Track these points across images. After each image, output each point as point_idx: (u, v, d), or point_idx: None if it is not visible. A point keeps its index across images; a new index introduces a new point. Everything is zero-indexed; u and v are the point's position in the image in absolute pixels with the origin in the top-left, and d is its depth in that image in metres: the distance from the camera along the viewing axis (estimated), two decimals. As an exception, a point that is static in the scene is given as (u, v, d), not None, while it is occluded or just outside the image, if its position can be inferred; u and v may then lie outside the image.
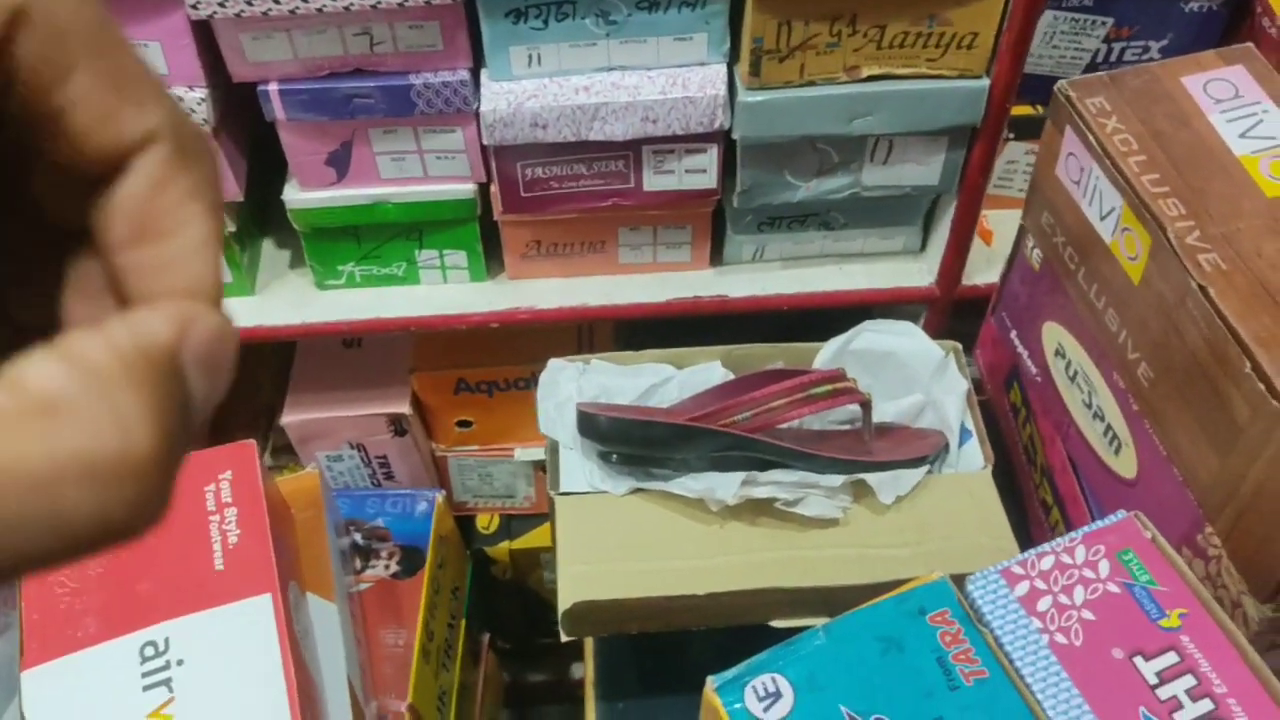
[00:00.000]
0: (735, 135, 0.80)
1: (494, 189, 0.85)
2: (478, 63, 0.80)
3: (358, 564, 1.13)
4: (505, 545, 1.25)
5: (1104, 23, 0.85)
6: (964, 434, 0.82)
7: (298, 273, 0.97)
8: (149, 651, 0.78)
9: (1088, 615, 0.58)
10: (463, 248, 0.93)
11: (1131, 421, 0.68)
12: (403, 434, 1.13)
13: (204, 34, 0.76)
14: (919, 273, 0.96)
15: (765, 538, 0.74)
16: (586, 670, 0.84)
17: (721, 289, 0.95)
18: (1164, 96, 0.65)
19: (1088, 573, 0.60)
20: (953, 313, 0.98)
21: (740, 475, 0.74)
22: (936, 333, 1.00)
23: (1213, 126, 0.64)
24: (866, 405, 0.80)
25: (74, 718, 0.75)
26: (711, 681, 0.57)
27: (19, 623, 0.82)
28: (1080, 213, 0.68)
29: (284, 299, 0.96)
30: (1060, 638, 0.58)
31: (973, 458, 0.81)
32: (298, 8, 0.72)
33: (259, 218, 0.96)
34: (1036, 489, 0.86)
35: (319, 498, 1.00)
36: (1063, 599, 0.59)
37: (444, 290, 0.95)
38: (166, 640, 0.78)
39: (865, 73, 0.78)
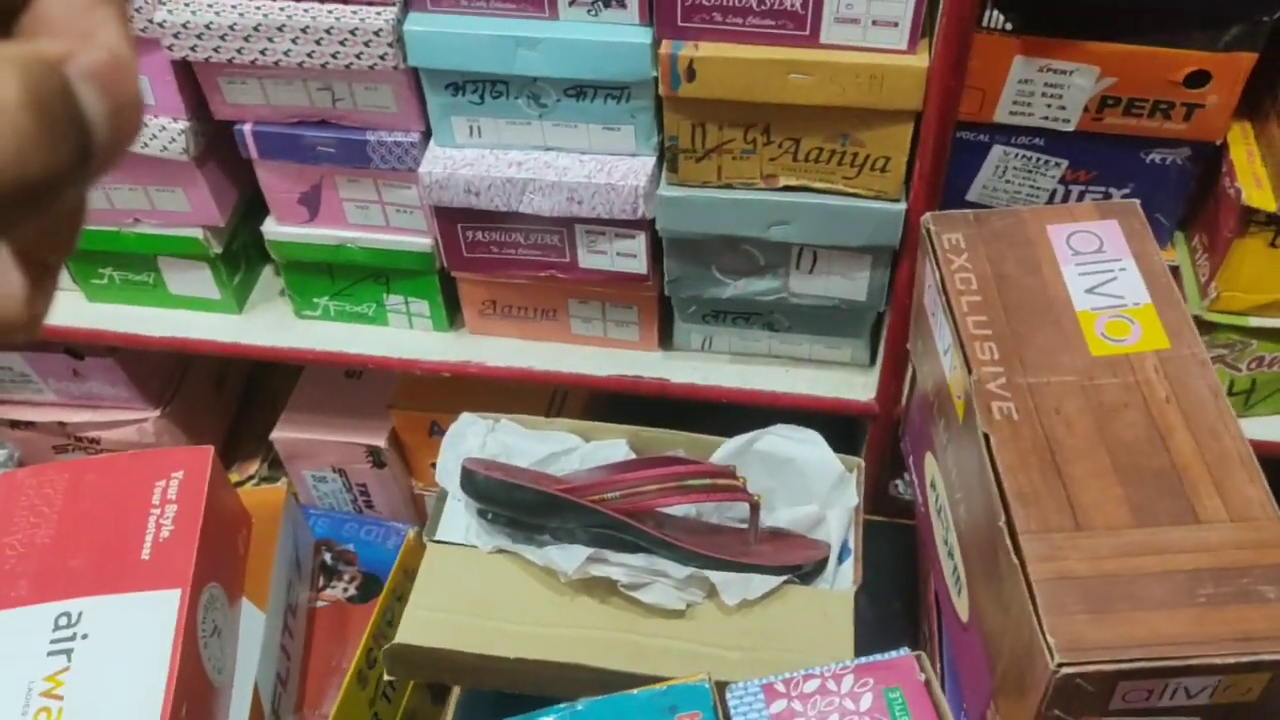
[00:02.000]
0: (657, 227, 0.83)
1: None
2: (431, 127, 0.85)
3: (320, 582, 1.19)
4: (475, 590, 1.28)
5: (1058, 164, 0.84)
6: (845, 551, 0.81)
7: (285, 300, 1.04)
8: (62, 621, 0.84)
9: (832, 745, 0.58)
10: (424, 297, 0.98)
11: (964, 563, 0.67)
12: (381, 466, 1.19)
13: (190, 73, 0.84)
14: (864, 386, 0.96)
15: (607, 617, 0.75)
16: (447, 717, 0.86)
17: (664, 373, 0.97)
18: (1022, 241, 0.65)
19: (848, 704, 0.59)
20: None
21: (587, 551, 0.76)
22: (879, 449, 1.00)
23: (1061, 277, 0.63)
24: (755, 507, 0.80)
25: (-15, 669, 0.82)
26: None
27: (-33, 575, 0.89)
28: (934, 345, 0.67)
29: (266, 323, 1.03)
30: (798, 762, 0.57)
31: (846, 576, 0.80)
32: (257, 59, 0.79)
33: (259, 244, 1.04)
34: (922, 620, 0.84)
35: (279, 511, 1.06)
36: (813, 724, 0.59)
37: (409, 335, 1.01)
38: (79, 614, 0.85)
39: (782, 182, 0.79)
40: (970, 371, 0.59)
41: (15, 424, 1.21)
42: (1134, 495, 0.53)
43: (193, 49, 0.79)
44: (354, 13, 0.77)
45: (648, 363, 0.98)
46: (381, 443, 1.16)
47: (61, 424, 1.21)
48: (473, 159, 0.83)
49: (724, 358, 0.98)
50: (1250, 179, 0.80)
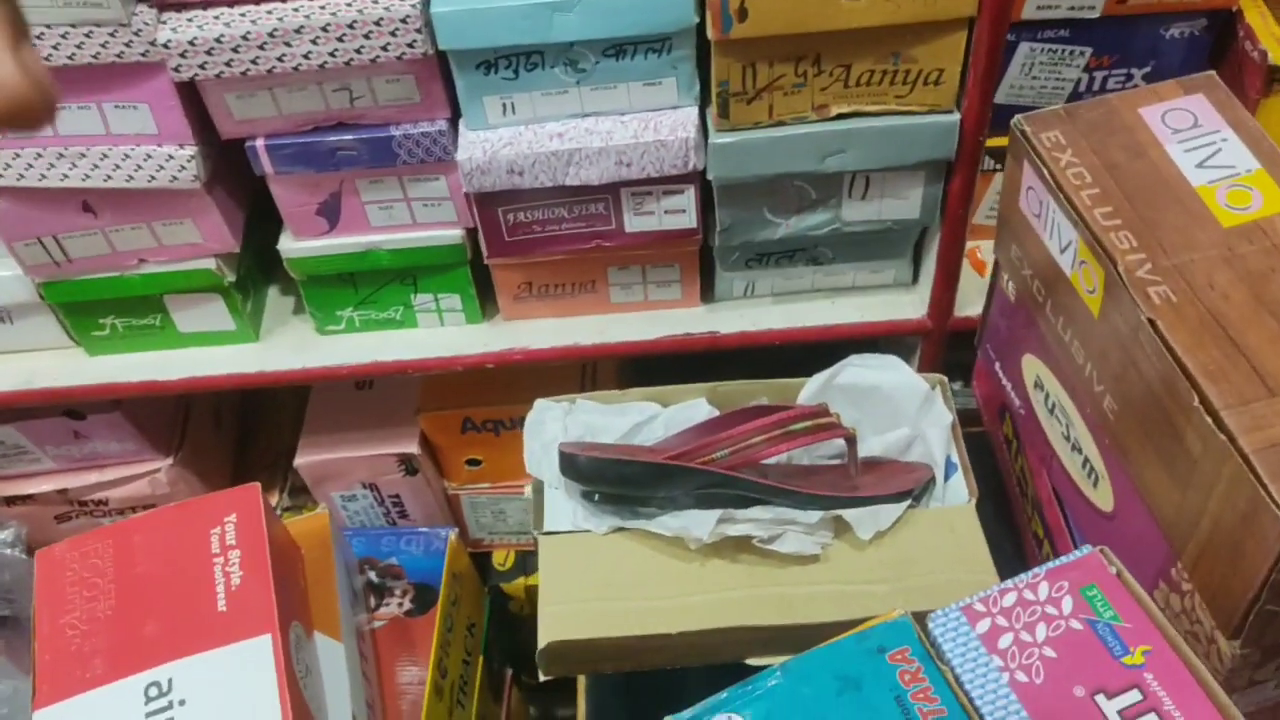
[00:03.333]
0: (710, 176, 0.81)
1: (480, 234, 0.87)
2: (456, 112, 0.81)
3: (372, 602, 1.15)
4: (521, 581, 1.26)
5: (1082, 53, 0.85)
6: (950, 467, 0.82)
7: (301, 318, 0.99)
8: (153, 692, 0.79)
9: (1049, 653, 0.58)
10: (456, 291, 0.94)
11: (1105, 454, 0.68)
12: (414, 473, 1.15)
13: (192, 94, 0.79)
14: (911, 305, 0.96)
15: (744, 575, 0.74)
16: (578, 710, 0.84)
17: (712, 325, 0.95)
18: (1121, 128, 0.65)
19: (1050, 609, 0.59)
20: (951, 344, 0.98)
21: (716, 513, 0.75)
22: (932, 365, 1.00)
23: (1169, 157, 0.64)
24: (851, 440, 0.80)
25: (81, 758, 0.77)
26: (667, 722, 0.58)
27: (33, 665, 0.84)
28: (1043, 246, 0.68)
29: (287, 345, 0.98)
30: (1021, 675, 0.57)
31: (958, 491, 0.80)
32: (274, 68, 0.74)
33: (262, 266, 0.99)
34: (1029, 522, 0.85)
35: (328, 538, 1.02)
36: (1024, 636, 0.59)
37: (441, 333, 0.97)
38: (170, 681, 0.80)
39: (834, 111, 0.78)
40: (1114, 262, 0.59)
41: (12, 500, 1.14)
42: (1313, 353, 0.54)
43: (202, 67, 0.74)
44: (376, 3, 0.73)
45: (693, 319, 0.96)
46: (414, 449, 1.12)
47: (62, 491, 1.13)
48: (510, 138, 0.80)
49: (767, 301, 0.97)
50: (1271, 40, 0.82)
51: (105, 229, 0.86)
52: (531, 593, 1.27)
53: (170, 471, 1.13)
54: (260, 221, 0.94)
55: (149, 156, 0.80)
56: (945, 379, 0.85)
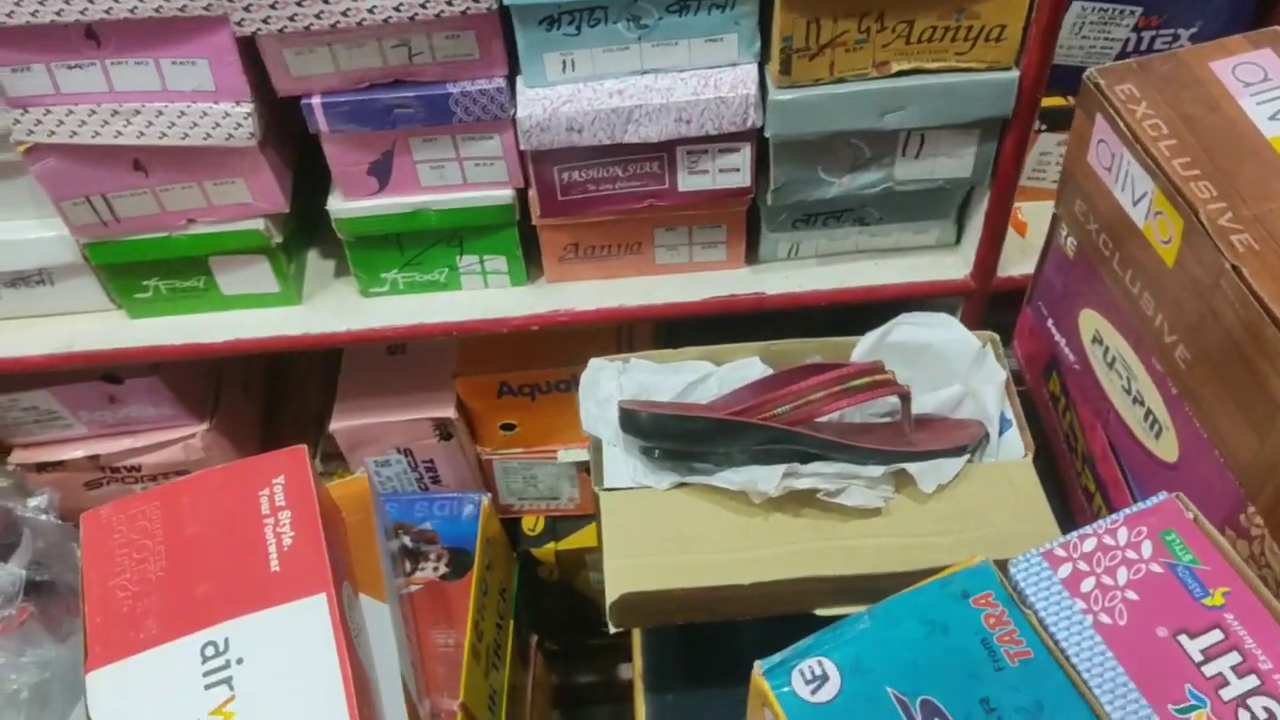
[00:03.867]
0: (768, 133, 0.82)
1: (532, 194, 0.87)
2: (513, 70, 0.81)
3: (407, 566, 1.15)
4: (551, 546, 1.27)
5: (1132, 11, 0.85)
6: (1004, 423, 0.83)
7: (343, 281, 0.99)
8: (209, 651, 0.79)
9: (1131, 595, 0.59)
10: (502, 253, 0.94)
11: (1171, 405, 0.68)
12: (448, 438, 1.15)
13: (249, 50, 0.78)
14: (954, 266, 0.96)
15: (808, 528, 0.75)
16: (635, 664, 0.85)
17: (757, 286, 0.96)
18: (1192, 81, 0.66)
19: (1130, 554, 0.60)
20: (989, 305, 0.99)
21: (781, 468, 0.75)
22: (973, 325, 1.00)
23: (1242, 110, 0.64)
24: (906, 397, 0.81)
25: (139, 717, 0.77)
26: (759, 666, 0.58)
27: (83, 627, 0.84)
28: (1113, 199, 0.68)
29: (330, 308, 0.98)
30: (1104, 618, 0.58)
31: (1013, 446, 0.81)
32: (339, 22, 0.74)
33: (305, 228, 0.99)
34: (1078, 476, 0.86)
35: (369, 501, 1.02)
36: (1106, 580, 0.60)
37: (485, 295, 0.97)
38: (226, 640, 0.80)
39: (895, 68, 0.79)
40: (1195, 211, 0.60)
41: (44, 466, 1.13)
42: (1399, 298, 0.55)
43: (265, 21, 0.74)
44: (443, -45, 0.72)
45: (738, 280, 0.96)
46: (450, 413, 1.12)
47: (94, 457, 1.13)
48: (569, 95, 0.80)
49: (811, 262, 0.97)
50: (1320, -2, 0.83)
51: (155, 188, 0.86)
52: (562, 558, 1.27)
53: (205, 437, 1.13)
54: (303, 182, 0.94)
55: (205, 114, 0.79)
56: (997, 336, 0.86)
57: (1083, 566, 0.60)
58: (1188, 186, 0.61)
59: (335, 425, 1.13)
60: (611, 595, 0.71)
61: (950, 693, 0.57)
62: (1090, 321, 0.77)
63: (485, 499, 1.12)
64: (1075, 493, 0.87)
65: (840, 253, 0.96)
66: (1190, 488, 0.67)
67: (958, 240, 0.97)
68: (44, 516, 1.10)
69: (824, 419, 0.84)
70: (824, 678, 0.57)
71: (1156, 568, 0.60)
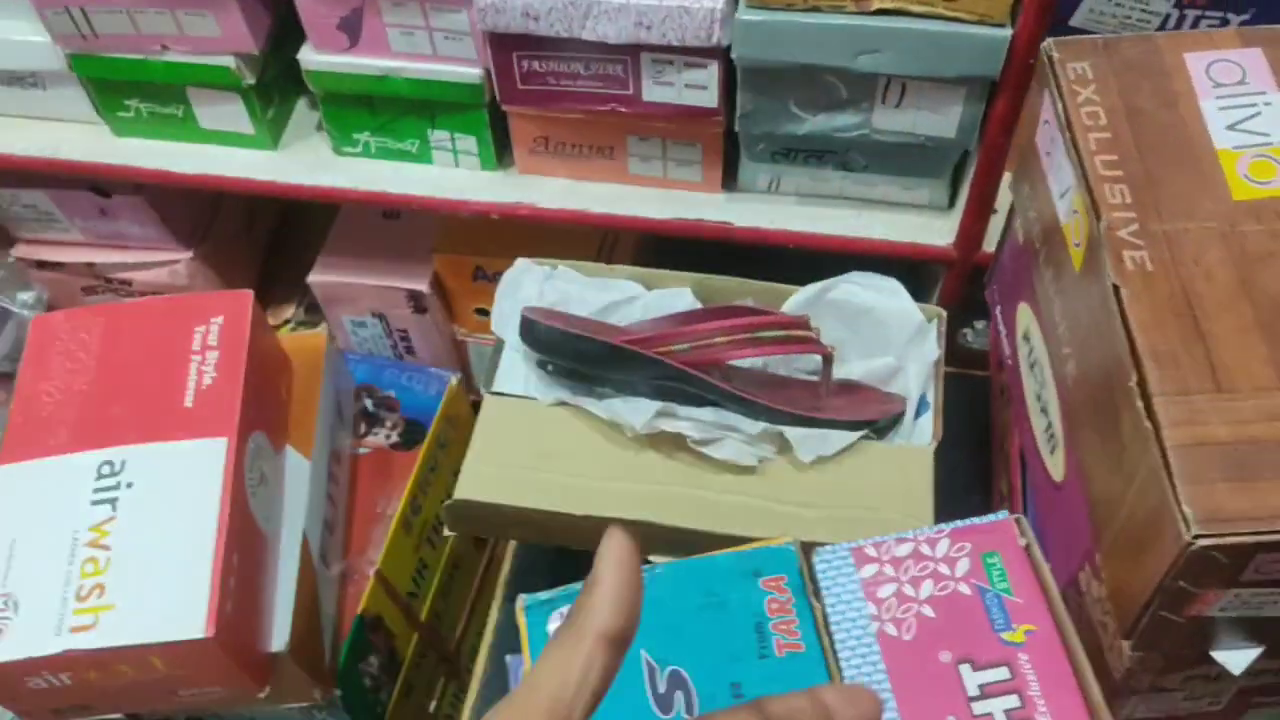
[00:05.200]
0: (733, 55, 0.76)
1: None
2: (482, -57, 0.78)
3: (362, 429, 1.16)
4: (519, 438, 1.26)
5: (1175, -15, 0.76)
6: (922, 405, 0.77)
7: (322, 136, 0.98)
8: (105, 469, 0.81)
9: (927, 611, 0.55)
10: (472, 133, 0.92)
11: (1064, 421, 0.63)
12: (422, 311, 1.15)
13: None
14: (940, 231, 0.90)
15: (675, 472, 0.72)
16: (502, 570, 0.84)
17: (728, 215, 0.91)
18: (1157, 71, 0.58)
19: (943, 568, 0.56)
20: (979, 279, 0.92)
21: (655, 405, 0.72)
22: (953, 298, 0.95)
23: (1200, 113, 0.57)
24: (828, 358, 0.76)
25: (28, 517, 0.80)
26: (522, 600, 0.56)
27: (6, 423, 0.87)
28: (1046, 187, 0.62)
29: (303, 160, 0.97)
30: (890, 628, 0.54)
31: (925, 432, 0.76)
32: None
33: (295, 78, 0.97)
34: (998, 479, 0.80)
35: (321, 358, 1.03)
36: (907, 589, 0.55)
37: (453, 174, 0.95)
38: (123, 463, 0.82)
39: (876, 5, 0.72)
40: (1099, 217, 0.53)
41: (42, 264, 1.17)
42: (1282, 354, 0.48)
43: None
44: None
45: (710, 205, 0.92)
46: (423, 287, 1.11)
47: (90, 264, 1.16)
48: (530, -22, 0.76)
49: (791, 200, 0.92)
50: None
51: (129, 8, 0.85)
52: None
53: (190, 264, 1.15)
54: (296, 30, 0.92)
55: (170, -61, 0.78)
56: (944, 313, 0.80)
57: (889, 571, 0.56)
58: (1101, 187, 0.54)
59: (313, 278, 1.13)
60: (452, 497, 0.70)
61: (703, 669, 0.54)
62: (1025, 317, 0.71)
63: (454, 378, 1.11)
64: (995, 495, 0.82)
65: (822, 195, 0.91)
66: (1069, 514, 0.62)
67: (950, 204, 0.90)
68: (27, 312, 1.15)
69: (744, 365, 0.80)
70: None
71: (965, 588, 0.55)
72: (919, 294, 0.96)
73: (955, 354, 1.01)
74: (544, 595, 0.56)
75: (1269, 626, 0.53)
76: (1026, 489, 0.71)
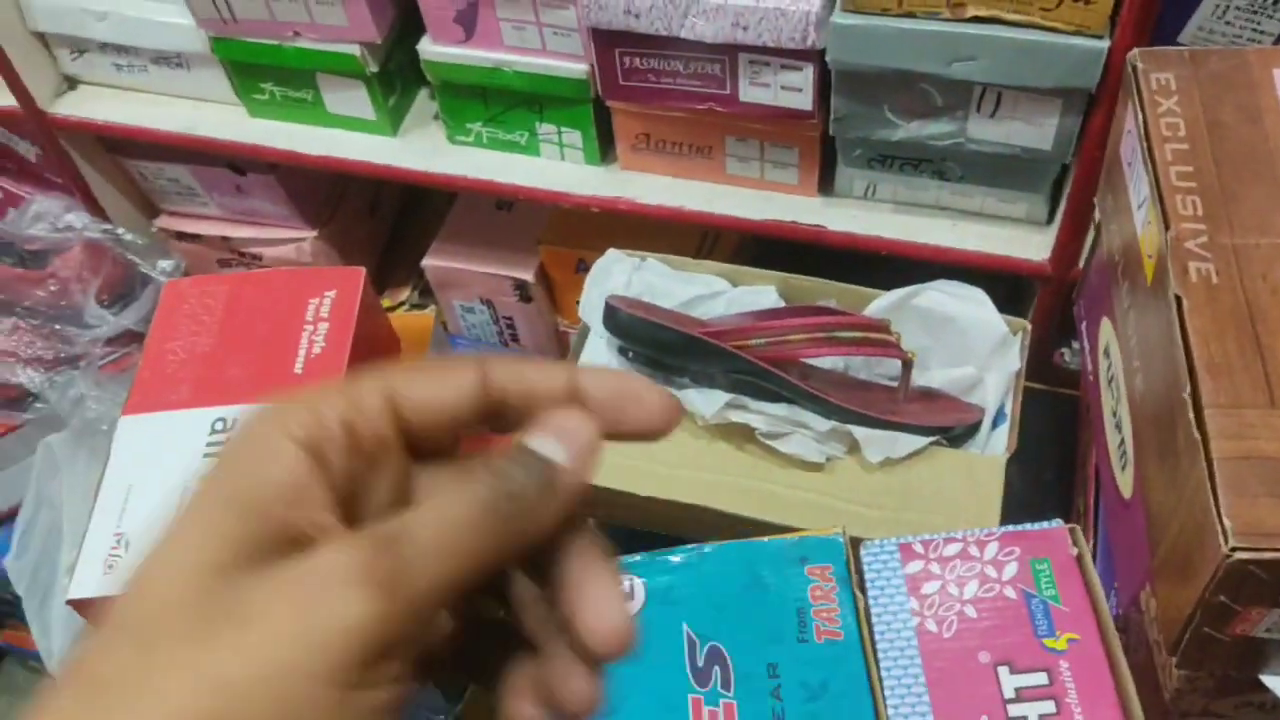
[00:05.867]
0: (828, 58, 0.77)
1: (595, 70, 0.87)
2: (592, -57, 0.81)
3: (464, 410, 1.20)
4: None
5: (1287, 3, 0.74)
6: (1000, 417, 0.77)
7: (438, 125, 1.03)
8: (218, 426, 0.87)
9: (969, 611, 0.55)
10: (578, 127, 0.95)
11: (1134, 436, 0.62)
12: (527, 300, 1.19)
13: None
14: (1037, 246, 0.89)
15: (742, 464, 0.73)
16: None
17: (822, 219, 0.92)
18: (1244, 85, 0.57)
19: (990, 570, 0.56)
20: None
21: (726, 396, 0.74)
22: (1049, 314, 0.93)
23: (1286, 127, 0.56)
24: (907, 363, 0.76)
25: (148, 463, 0.86)
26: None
27: (135, 375, 0.93)
28: (1127, 199, 0.61)
29: (419, 147, 1.02)
30: (931, 625, 0.55)
31: (999, 443, 0.76)
32: None
33: (417, 67, 1.02)
34: (1077, 495, 0.79)
35: (428, 338, 1.08)
36: (951, 588, 0.56)
37: (559, 166, 0.98)
38: (235, 421, 0.87)
39: (971, 12, 0.72)
40: (1167, 227, 0.53)
41: (182, 235, 1.25)
42: (1344, 375, 0.47)
43: None
44: None
45: (805, 208, 0.93)
46: (529, 277, 1.15)
47: (225, 238, 1.24)
48: (634, -23, 0.78)
49: (887, 207, 0.92)
50: None
51: (266, -6, 0.91)
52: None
53: (315, 244, 1.21)
54: (419, 25, 0.97)
55: (305, -63, 0.84)
56: (1029, 325, 0.79)
57: (935, 569, 0.57)
58: (1173, 198, 0.54)
59: (426, 262, 1.18)
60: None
61: (742, 647, 0.55)
62: (1105, 332, 0.70)
63: (561, 366, 1.14)
64: (1074, 512, 0.81)
65: (919, 204, 0.91)
66: (1133, 531, 0.61)
67: (1050, 219, 0.89)
68: (165, 279, 1.23)
69: (825, 365, 0.81)
70: (629, 596, 0.57)
71: (1010, 592, 0.55)
72: (1018, 306, 0.96)
73: (1052, 373, 1.00)
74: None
75: (1326, 655, 0.52)
76: (1099, 507, 0.70)
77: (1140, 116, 0.57)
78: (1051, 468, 0.87)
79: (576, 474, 0.30)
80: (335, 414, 0.29)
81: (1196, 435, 0.47)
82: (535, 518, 0.29)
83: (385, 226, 1.35)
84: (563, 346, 1.25)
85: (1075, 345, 0.98)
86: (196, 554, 0.26)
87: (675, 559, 0.58)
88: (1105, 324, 0.70)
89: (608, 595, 0.29)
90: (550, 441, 0.30)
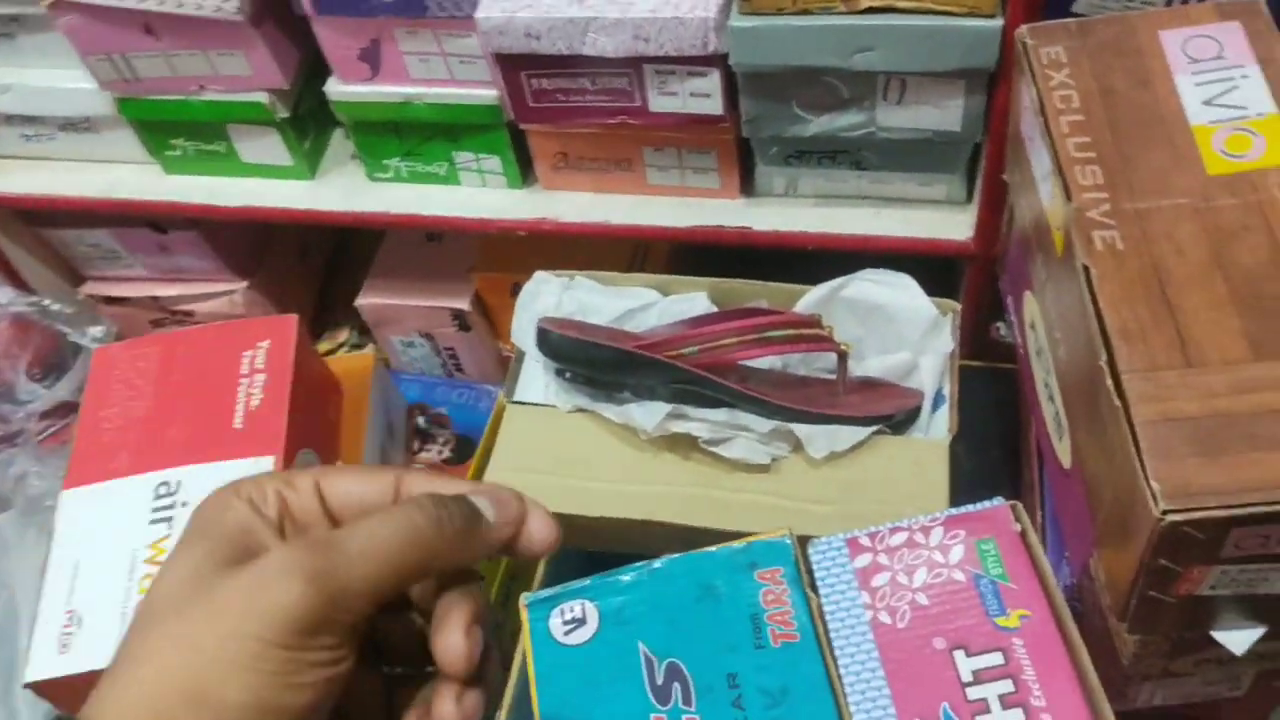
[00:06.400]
0: (731, 62, 0.78)
1: (504, 96, 0.87)
2: (484, -31, 0.80)
3: (416, 445, 1.20)
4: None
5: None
6: (939, 399, 0.78)
7: (357, 164, 1.02)
8: (162, 490, 0.86)
9: (921, 599, 0.55)
10: (495, 153, 0.95)
11: (1066, 406, 0.63)
12: (467, 329, 1.18)
13: (237, -72, 0.80)
14: (959, 226, 0.90)
15: (689, 473, 0.74)
16: (536, 577, 0.86)
17: (746, 220, 0.92)
18: (1132, 51, 0.58)
19: (937, 556, 0.56)
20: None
21: (666, 408, 0.74)
22: (978, 292, 0.94)
23: (1175, 89, 0.57)
24: (841, 355, 0.77)
25: (93, 536, 0.85)
26: (524, 598, 0.58)
27: (72, 449, 0.92)
28: (1032, 174, 0.62)
29: (339, 187, 1.01)
30: (885, 617, 0.55)
31: (941, 425, 0.76)
32: (299, -94, 0.75)
33: (328, 107, 1.02)
34: (1024, 467, 0.80)
35: (369, 378, 1.07)
36: (901, 578, 0.56)
37: (481, 194, 0.98)
38: (179, 482, 0.86)
39: (865, 3, 0.73)
40: (1070, 198, 0.54)
41: (110, 299, 1.23)
42: (1253, 327, 0.48)
43: (233, -102, 0.75)
44: None
45: (729, 210, 0.93)
46: (465, 306, 1.14)
47: (155, 298, 1.22)
48: (531, 0, 0.78)
49: (809, 202, 0.93)
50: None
51: (166, 52, 0.90)
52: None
53: (247, 294, 1.20)
54: (326, 66, 0.96)
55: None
56: (958, 306, 0.80)
57: (883, 560, 0.57)
58: (1073, 170, 0.55)
59: (361, 301, 1.17)
60: (474, 505, 0.72)
61: (700, 660, 0.55)
62: (1030, 306, 0.71)
63: (502, 393, 1.14)
64: (1022, 487, 0.81)
65: (840, 195, 0.91)
66: (1076, 500, 0.62)
67: (969, 198, 0.90)
68: (97, 346, 1.21)
69: (762, 366, 0.81)
70: (582, 621, 0.57)
71: (959, 575, 0.55)
72: (954, 287, 0.97)
73: (989, 349, 1.01)
74: (546, 593, 0.58)
75: (1270, 605, 0.52)
76: (1044, 479, 0.71)
77: (1035, 91, 0.58)
78: (998, 444, 0.88)
79: (496, 533, 0.41)
80: (272, 488, 0.39)
81: (1117, 402, 0.48)
82: (450, 551, 0.39)
83: (318, 269, 1.34)
84: (507, 371, 1.24)
85: (1009, 319, 0.98)
86: (180, 569, 0.37)
87: (625, 578, 0.58)
88: (1028, 298, 0.71)
89: (457, 625, 0.39)
90: (485, 501, 0.41)
